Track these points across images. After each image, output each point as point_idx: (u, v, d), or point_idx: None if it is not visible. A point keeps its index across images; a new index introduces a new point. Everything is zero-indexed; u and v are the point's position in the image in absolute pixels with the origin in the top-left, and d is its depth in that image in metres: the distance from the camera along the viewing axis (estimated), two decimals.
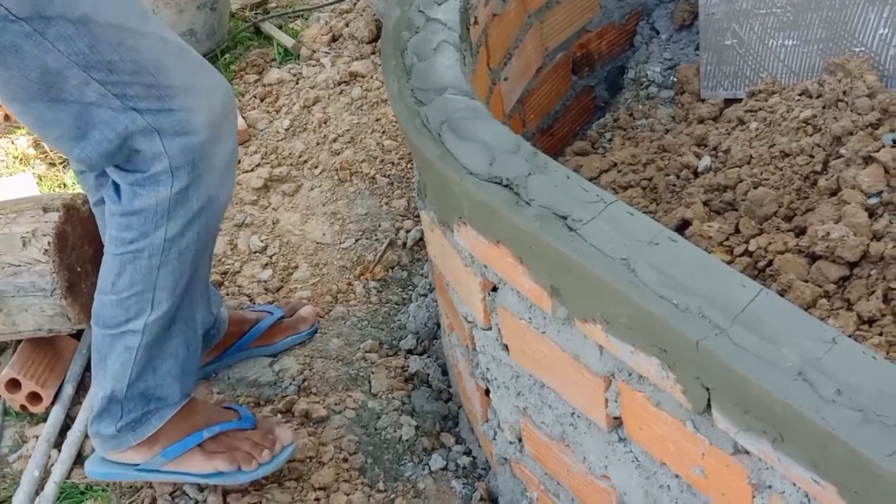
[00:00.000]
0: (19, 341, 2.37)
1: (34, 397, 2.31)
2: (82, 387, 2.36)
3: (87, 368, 2.38)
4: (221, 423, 2.02)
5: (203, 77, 1.76)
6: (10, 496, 2.15)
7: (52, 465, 2.20)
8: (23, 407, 2.32)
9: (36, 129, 1.73)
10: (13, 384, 2.30)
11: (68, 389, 2.34)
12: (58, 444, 2.25)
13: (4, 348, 2.43)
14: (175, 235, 1.78)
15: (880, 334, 1.83)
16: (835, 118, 2.15)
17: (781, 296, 1.90)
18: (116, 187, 1.77)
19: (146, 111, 1.67)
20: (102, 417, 1.93)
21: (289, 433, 2.06)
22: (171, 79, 1.69)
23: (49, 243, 2.20)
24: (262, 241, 2.68)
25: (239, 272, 2.60)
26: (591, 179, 2.39)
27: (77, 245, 2.27)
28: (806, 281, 1.94)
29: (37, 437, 2.27)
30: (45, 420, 2.30)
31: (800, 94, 2.27)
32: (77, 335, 2.43)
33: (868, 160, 2.06)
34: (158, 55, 1.68)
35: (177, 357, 1.92)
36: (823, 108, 2.19)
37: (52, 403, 2.33)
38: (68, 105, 1.64)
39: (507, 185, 1.58)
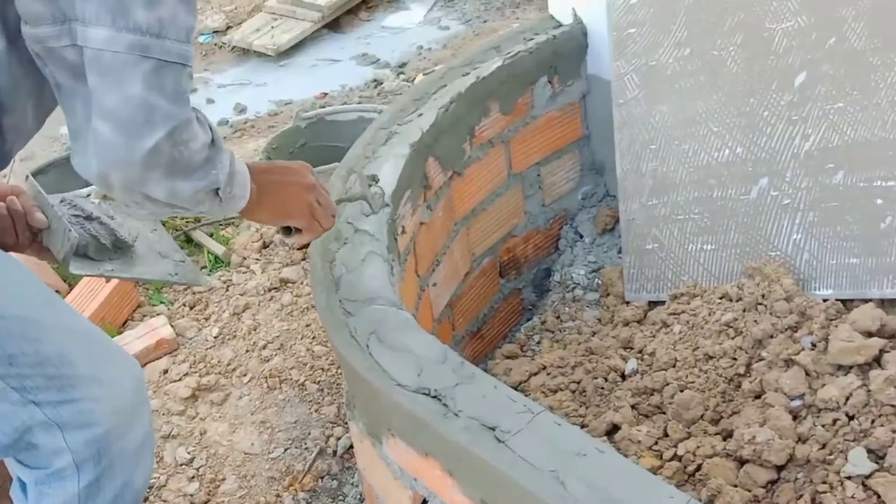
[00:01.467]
0: None
1: None
2: None
3: None
4: None
5: (110, 364, 1.70)
6: None
7: None
8: None
9: None
10: None
11: None
12: None
13: None
14: None
15: None
16: (755, 321, 2.20)
17: (711, 502, 1.90)
18: (22, 485, 1.70)
19: (46, 404, 1.60)
20: None
21: None
22: (76, 369, 1.63)
23: None
24: (188, 453, 2.63)
25: (164, 486, 2.53)
26: (520, 383, 2.40)
27: None
28: (735, 485, 1.95)
29: None
30: None
31: (720, 298, 2.32)
32: None
33: (789, 363, 2.10)
34: (63, 345, 1.62)
35: None
36: (744, 311, 2.25)
37: None
38: None
39: (435, 396, 1.58)
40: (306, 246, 1.77)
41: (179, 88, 1.38)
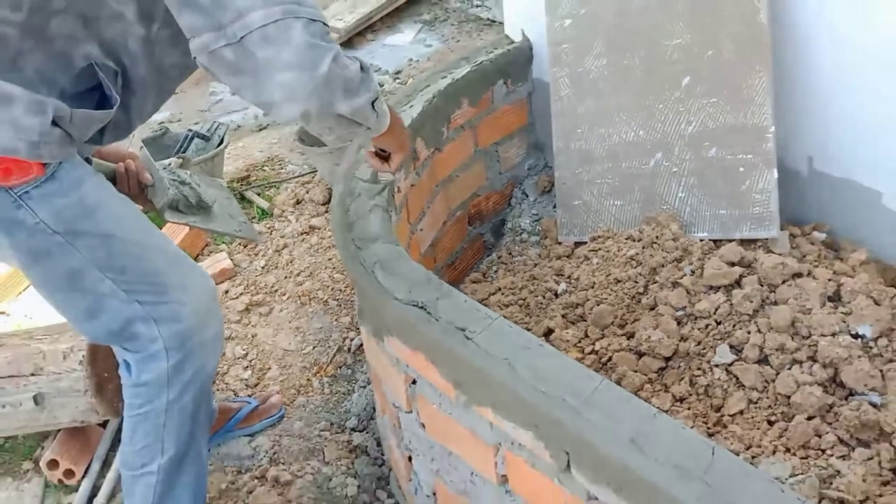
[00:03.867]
0: (58, 430, 2.27)
1: (69, 473, 2.20)
2: (106, 464, 2.26)
3: (111, 450, 2.29)
4: None
5: (193, 278, 1.69)
6: None
7: None
8: (60, 480, 2.21)
9: (57, 308, 1.64)
10: (53, 463, 2.19)
11: (95, 466, 2.24)
12: None
13: (47, 435, 2.32)
14: (174, 399, 1.69)
15: (689, 409, 1.86)
16: (651, 255, 2.21)
17: (618, 383, 1.92)
18: (127, 365, 1.69)
19: (146, 303, 1.60)
20: None
21: None
22: (169, 279, 1.63)
23: (84, 356, 2.13)
24: (243, 350, 2.63)
25: (226, 373, 2.53)
26: (483, 301, 2.40)
27: (105, 356, 2.19)
28: (635, 371, 1.97)
29: None
30: (76, 490, 2.19)
31: (626, 239, 2.33)
32: (103, 424, 2.33)
33: (675, 285, 2.11)
34: (159, 262, 1.62)
35: (189, 485, 1.79)
36: (643, 248, 2.25)
37: (83, 477, 2.22)
38: (85, 294, 1.57)
39: (421, 307, 1.59)
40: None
41: (325, 35, 1.37)
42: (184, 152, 3.43)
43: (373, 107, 1.49)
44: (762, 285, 2.04)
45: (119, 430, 2.32)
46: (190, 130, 3.55)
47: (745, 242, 2.24)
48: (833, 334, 1.87)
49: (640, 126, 2.42)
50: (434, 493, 1.86)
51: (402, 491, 2.11)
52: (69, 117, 1.43)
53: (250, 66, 1.34)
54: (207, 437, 1.87)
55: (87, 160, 1.72)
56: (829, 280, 2.04)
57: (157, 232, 1.71)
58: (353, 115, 1.46)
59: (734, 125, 2.28)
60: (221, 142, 3.43)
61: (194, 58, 1.34)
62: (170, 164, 1.98)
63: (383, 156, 1.80)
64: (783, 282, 2.04)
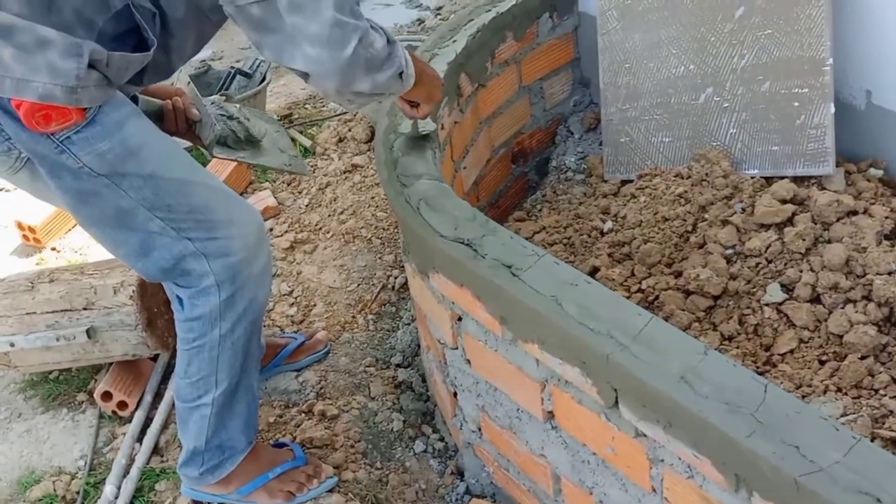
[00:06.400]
0: (111, 363, 2.33)
1: (122, 405, 2.26)
2: (158, 396, 2.31)
3: (163, 382, 2.35)
4: (282, 464, 1.93)
5: (241, 212, 1.69)
6: (105, 478, 2.10)
7: (136, 454, 2.15)
8: (114, 412, 2.27)
9: (108, 248, 1.66)
10: (107, 395, 2.25)
11: (148, 398, 2.30)
12: (139, 439, 2.20)
13: (100, 368, 2.38)
14: (227, 332, 1.70)
15: (737, 347, 1.84)
16: (700, 193, 2.17)
17: (666, 321, 1.90)
18: (179, 300, 1.70)
19: (196, 239, 1.60)
20: (188, 464, 1.85)
21: (330, 469, 1.98)
22: (216, 215, 1.62)
23: (133, 291, 2.16)
24: (289, 287, 2.66)
25: (272, 309, 2.56)
26: (527, 239, 2.38)
27: (154, 292, 2.23)
28: (683, 310, 1.95)
29: (124, 434, 2.21)
30: (130, 421, 2.25)
31: (675, 176, 2.29)
32: (154, 358, 2.38)
33: (725, 223, 2.08)
34: (206, 198, 1.62)
35: (241, 416, 1.83)
36: (692, 185, 2.21)
37: (136, 409, 2.28)
38: (135, 232, 1.58)
39: (467, 244, 1.58)
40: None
41: (355, 7, 1.42)
42: (226, 90, 3.43)
43: (400, 77, 1.53)
44: (815, 223, 1.99)
45: (169, 363, 2.38)
46: (232, 68, 3.54)
47: (798, 179, 2.18)
48: (889, 273, 1.83)
49: (691, 60, 2.35)
50: (479, 429, 1.88)
51: (446, 426, 2.14)
52: (106, 60, 1.43)
53: (276, 27, 1.37)
54: (258, 369, 1.90)
55: (134, 98, 1.72)
56: (886, 218, 1.99)
57: (202, 169, 1.71)
58: (372, 91, 1.49)
59: (790, 58, 2.20)
60: (264, 79, 3.42)
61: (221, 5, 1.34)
62: (214, 102, 1.98)
63: (413, 104, 1.80)
64: (838, 219, 1.99)
